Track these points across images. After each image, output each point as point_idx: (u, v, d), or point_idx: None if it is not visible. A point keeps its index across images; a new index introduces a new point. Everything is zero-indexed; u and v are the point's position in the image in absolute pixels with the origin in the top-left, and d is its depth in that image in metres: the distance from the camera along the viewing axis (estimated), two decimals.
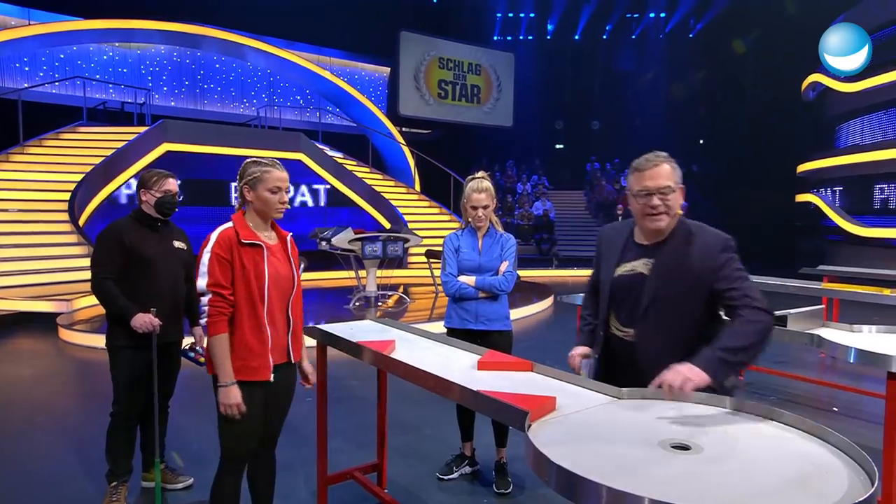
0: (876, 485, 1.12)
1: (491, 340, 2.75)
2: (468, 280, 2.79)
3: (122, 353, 2.60)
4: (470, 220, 2.85)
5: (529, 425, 1.42)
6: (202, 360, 2.62)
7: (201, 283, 1.94)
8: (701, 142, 18.81)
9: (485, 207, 2.80)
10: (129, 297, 2.55)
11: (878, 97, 12.75)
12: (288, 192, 2.09)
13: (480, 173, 2.91)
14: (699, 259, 1.75)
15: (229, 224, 2.04)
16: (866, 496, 1.07)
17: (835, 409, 4.24)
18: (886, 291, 4.24)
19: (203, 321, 1.94)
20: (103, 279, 2.54)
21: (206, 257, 1.97)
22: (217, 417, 2.03)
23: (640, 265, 1.84)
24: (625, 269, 1.88)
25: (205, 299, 1.94)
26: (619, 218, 15.64)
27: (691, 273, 1.75)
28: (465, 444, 3.06)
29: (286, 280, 2.09)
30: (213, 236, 2.00)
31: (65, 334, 6.01)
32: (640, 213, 1.80)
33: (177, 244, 2.74)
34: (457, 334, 2.78)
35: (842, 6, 13.73)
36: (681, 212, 1.84)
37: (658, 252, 1.82)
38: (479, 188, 2.80)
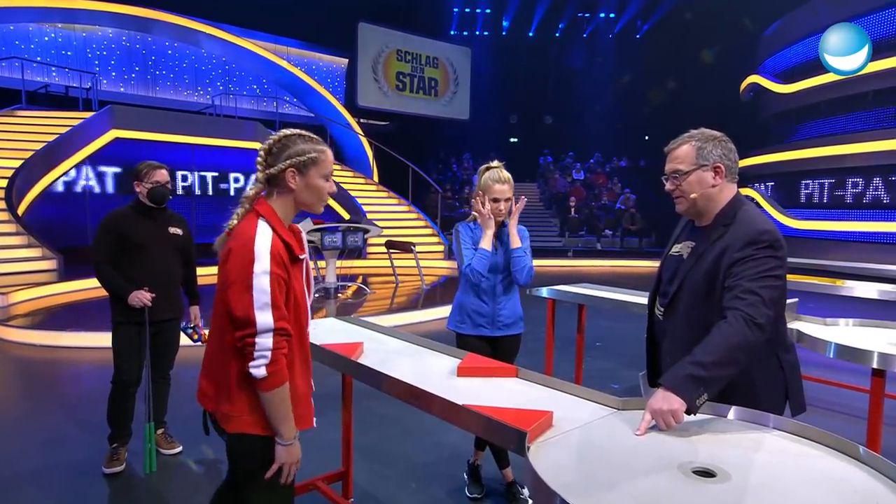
0: None
1: (503, 344, 2.52)
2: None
3: (118, 329, 2.82)
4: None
5: (528, 447, 1.23)
6: (196, 336, 2.87)
7: (265, 318, 1.37)
8: (647, 138, 19.58)
9: (507, 200, 2.48)
10: (126, 278, 2.75)
11: (809, 98, 13.74)
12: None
13: (496, 162, 2.57)
14: (724, 249, 1.56)
15: (267, 228, 1.43)
16: None
17: None
18: (839, 283, 4.41)
19: (260, 370, 1.38)
20: (98, 263, 2.75)
21: (261, 280, 1.38)
22: (252, 496, 1.49)
23: (685, 247, 1.71)
24: (675, 249, 1.77)
25: (264, 341, 1.38)
26: (572, 210, 16.21)
27: (714, 263, 1.57)
28: (478, 452, 2.65)
29: (305, 298, 1.58)
30: (262, 248, 1.39)
31: (0, 331, 5.42)
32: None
33: (172, 230, 2.90)
34: (467, 340, 2.51)
35: (779, 11, 14.67)
36: (694, 194, 1.63)
37: (700, 236, 1.67)
38: (501, 178, 2.47)
